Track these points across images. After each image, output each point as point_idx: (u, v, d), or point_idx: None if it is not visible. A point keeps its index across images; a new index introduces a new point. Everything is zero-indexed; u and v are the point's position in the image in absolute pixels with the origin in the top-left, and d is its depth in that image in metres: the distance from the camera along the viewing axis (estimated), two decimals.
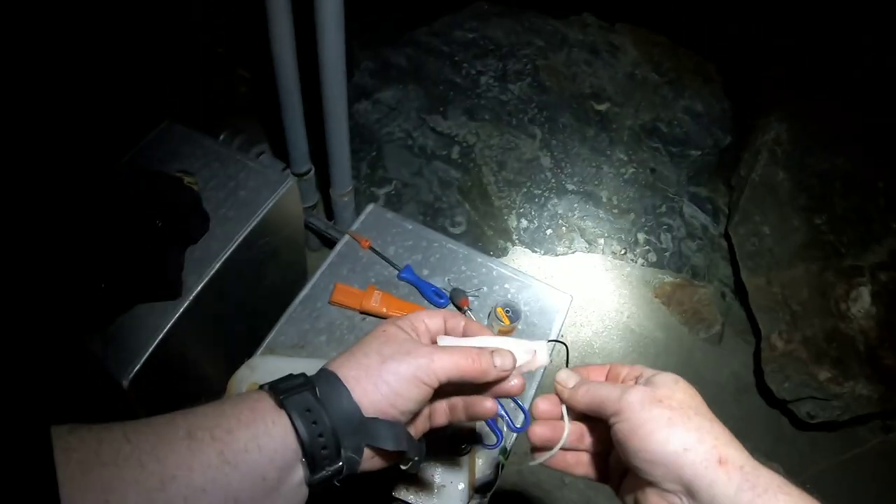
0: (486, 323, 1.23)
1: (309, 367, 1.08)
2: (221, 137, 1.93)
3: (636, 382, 0.59)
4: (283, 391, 0.52)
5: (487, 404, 0.62)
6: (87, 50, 1.86)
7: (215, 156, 1.55)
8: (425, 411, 0.63)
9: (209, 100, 2.48)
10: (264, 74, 1.75)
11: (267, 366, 1.11)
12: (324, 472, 0.52)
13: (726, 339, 2.41)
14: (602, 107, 2.75)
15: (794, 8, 2.76)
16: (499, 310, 1.17)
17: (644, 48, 3.01)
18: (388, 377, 0.54)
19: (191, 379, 1.48)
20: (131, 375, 1.22)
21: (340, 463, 0.52)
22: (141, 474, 0.43)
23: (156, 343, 1.25)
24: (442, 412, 0.64)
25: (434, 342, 0.64)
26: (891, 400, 2.11)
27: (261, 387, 0.55)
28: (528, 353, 0.65)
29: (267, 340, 1.19)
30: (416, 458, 0.58)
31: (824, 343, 2.16)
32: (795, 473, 2.13)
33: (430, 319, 0.64)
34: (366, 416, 0.53)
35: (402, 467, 0.58)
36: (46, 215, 1.30)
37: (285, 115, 1.76)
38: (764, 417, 2.27)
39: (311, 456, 0.50)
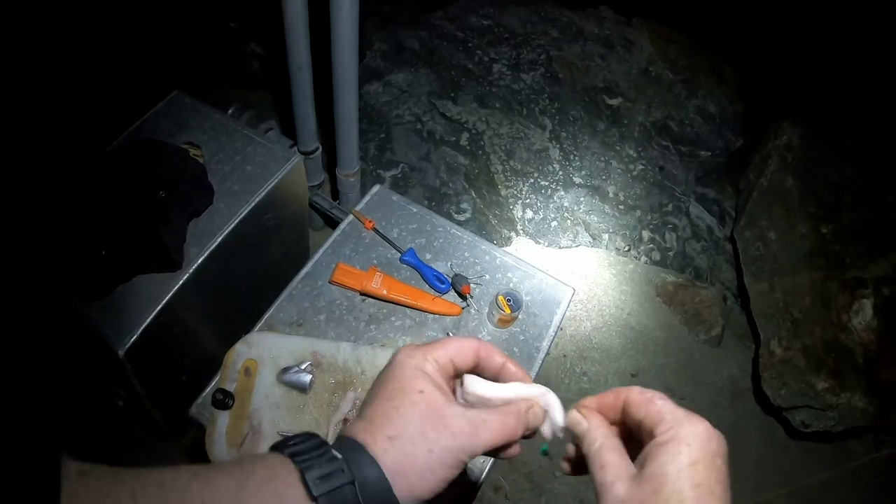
0: (486, 312, 1.22)
1: (306, 345, 1.09)
2: (230, 111, 1.92)
3: (653, 435, 0.50)
4: (319, 485, 0.47)
5: (517, 450, 0.58)
6: (101, 18, 1.85)
7: (223, 129, 1.53)
8: None
9: (220, 73, 2.47)
10: (276, 51, 1.74)
11: (265, 342, 1.11)
12: None
13: (726, 343, 2.40)
14: (614, 101, 2.73)
15: (815, 16, 2.73)
16: (500, 298, 1.16)
17: (660, 45, 2.99)
18: (435, 467, 0.50)
19: (188, 352, 1.48)
20: (128, 346, 1.22)
21: None
22: None
23: (154, 314, 1.25)
24: None
25: (456, 376, 0.60)
26: (885, 415, 2.11)
27: (290, 453, 0.49)
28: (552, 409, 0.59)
29: (266, 316, 1.19)
30: None
31: (823, 353, 2.15)
32: (786, 482, 2.13)
33: (461, 357, 0.58)
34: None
35: None
36: (48, 182, 1.30)
37: (295, 93, 1.75)
38: (758, 423, 2.27)
39: None
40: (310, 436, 0.52)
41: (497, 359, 0.60)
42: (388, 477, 0.48)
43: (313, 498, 0.46)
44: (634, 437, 0.55)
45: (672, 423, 0.48)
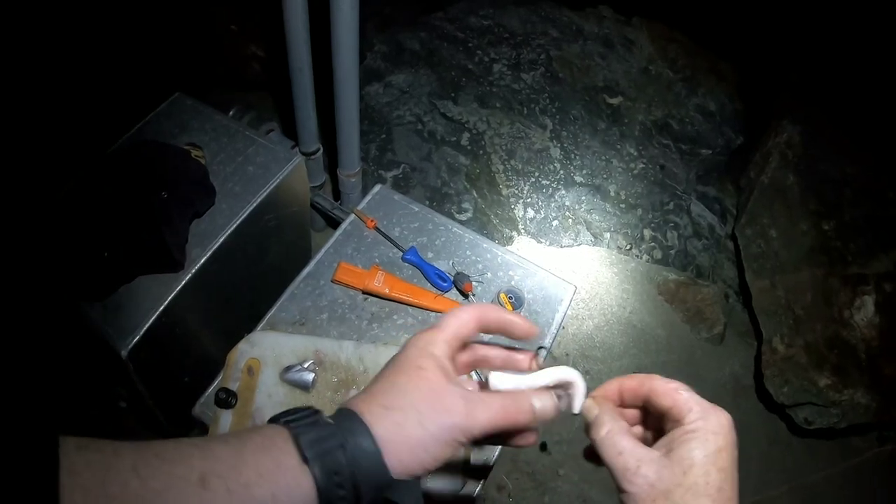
0: None
1: (308, 344, 1.09)
2: (231, 113, 1.93)
3: (682, 423, 0.53)
4: (311, 448, 0.48)
5: (531, 439, 0.59)
6: (103, 20, 1.86)
7: (224, 130, 1.54)
8: None
9: (221, 75, 2.47)
10: (277, 52, 1.74)
11: (267, 341, 1.11)
12: None
13: (728, 340, 2.40)
14: (614, 100, 2.73)
15: (814, 14, 2.73)
16: (502, 296, 1.17)
17: (659, 44, 2.99)
18: (427, 442, 0.51)
19: (191, 352, 1.48)
20: (131, 346, 1.22)
21: None
22: None
23: (156, 314, 1.25)
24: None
25: (464, 346, 0.60)
26: (888, 411, 2.11)
27: (285, 422, 0.51)
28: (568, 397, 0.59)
29: (268, 316, 1.19)
30: None
31: (825, 349, 2.15)
32: (789, 479, 2.13)
33: (465, 328, 0.59)
34: (393, 477, 0.50)
35: None
36: (50, 184, 1.30)
37: (296, 94, 1.75)
38: (761, 421, 2.27)
39: None
40: (306, 408, 0.53)
41: (492, 315, 0.60)
42: (378, 445, 0.49)
43: (306, 461, 0.47)
44: (651, 419, 0.58)
45: (701, 414, 0.52)
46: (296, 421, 0.50)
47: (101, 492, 0.40)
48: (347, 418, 0.51)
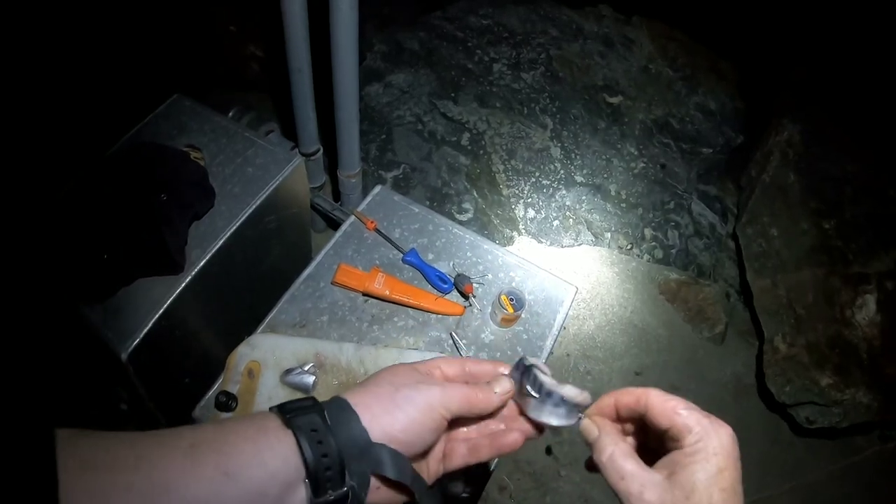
0: (489, 311, 1.22)
1: (309, 346, 1.08)
2: (231, 114, 1.92)
3: (681, 445, 0.52)
4: (290, 411, 0.52)
5: (514, 435, 0.61)
6: (102, 21, 1.85)
7: (224, 132, 1.53)
8: (438, 453, 0.62)
9: (220, 75, 2.47)
10: (276, 52, 1.74)
11: (267, 344, 1.11)
12: (327, 495, 0.50)
13: (729, 340, 2.40)
14: (614, 100, 2.73)
15: (814, 12, 2.72)
16: (503, 297, 1.16)
17: (659, 42, 2.98)
18: (402, 404, 0.54)
19: (191, 355, 1.47)
20: (131, 349, 1.21)
21: (345, 488, 0.51)
22: (137, 478, 0.44)
23: (156, 317, 1.25)
24: (459, 455, 0.62)
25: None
26: (890, 410, 2.10)
27: (270, 409, 0.54)
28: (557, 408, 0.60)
29: (268, 318, 1.18)
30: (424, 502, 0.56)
31: (827, 348, 2.15)
32: (790, 479, 2.13)
33: (448, 366, 0.63)
34: (374, 440, 0.52)
35: None
36: (50, 186, 1.30)
37: (295, 95, 1.75)
38: (763, 420, 2.26)
39: (315, 476, 0.50)
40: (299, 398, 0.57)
41: (482, 364, 0.65)
42: (353, 406, 0.53)
43: (287, 423, 0.51)
44: (650, 429, 0.57)
45: (700, 436, 0.51)
46: (277, 405, 0.55)
47: (96, 464, 0.43)
48: (327, 400, 0.56)
